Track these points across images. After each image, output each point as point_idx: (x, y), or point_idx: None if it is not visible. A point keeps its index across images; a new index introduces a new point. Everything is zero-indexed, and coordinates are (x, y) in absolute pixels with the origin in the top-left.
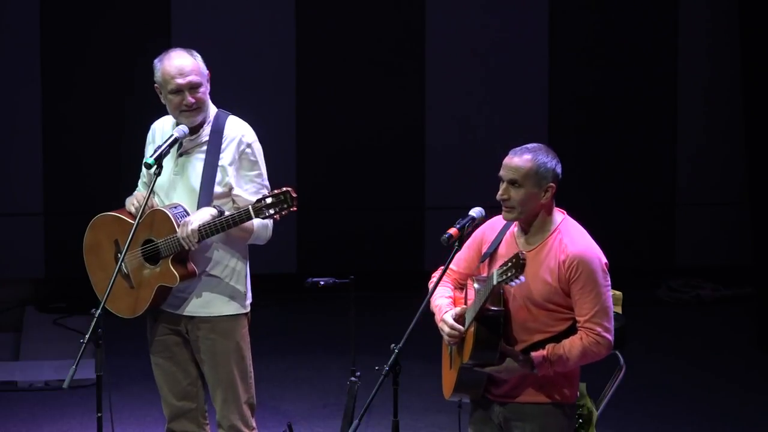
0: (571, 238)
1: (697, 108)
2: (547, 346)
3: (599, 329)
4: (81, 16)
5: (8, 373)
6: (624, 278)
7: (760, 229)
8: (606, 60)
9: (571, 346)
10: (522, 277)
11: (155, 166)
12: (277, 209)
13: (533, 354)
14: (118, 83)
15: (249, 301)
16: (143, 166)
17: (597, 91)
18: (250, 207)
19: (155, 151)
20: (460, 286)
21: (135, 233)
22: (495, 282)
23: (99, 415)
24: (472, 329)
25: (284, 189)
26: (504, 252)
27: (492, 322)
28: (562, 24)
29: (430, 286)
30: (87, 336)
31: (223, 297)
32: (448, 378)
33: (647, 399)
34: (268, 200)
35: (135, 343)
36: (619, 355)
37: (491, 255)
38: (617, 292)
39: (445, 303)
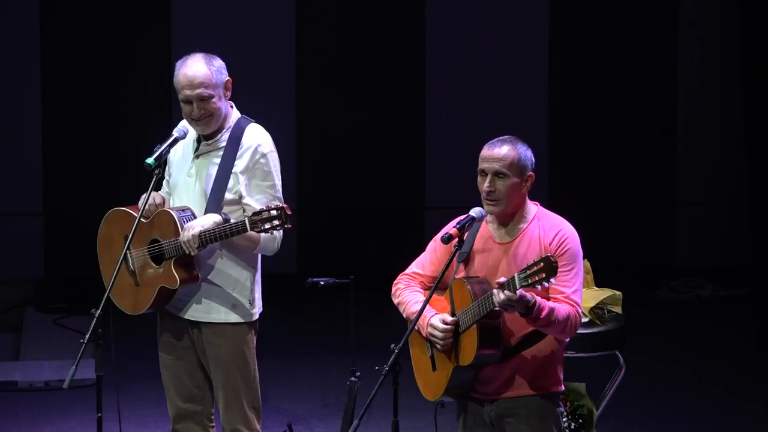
0: (553, 223)
1: (696, 108)
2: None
3: (579, 309)
4: (81, 16)
5: (8, 373)
6: (624, 278)
7: (760, 229)
8: (606, 60)
9: (561, 307)
10: (553, 280)
11: (155, 167)
12: (272, 224)
13: (538, 299)
14: (118, 83)
15: (256, 310)
16: (144, 166)
17: (597, 90)
18: (246, 219)
19: (155, 152)
20: (426, 289)
21: (142, 232)
22: (518, 285)
23: (99, 415)
24: (474, 331)
25: (280, 205)
26: (481, 248)
27: (495, 323)
28: (562, 24)
29: (399, 291)
30: (87, 336)
31: (225, 305)
32: (433, 380)
33: (647, 399)
34: (264, 215)
35: (136, 344)
36: (619, 355)
37: (468, 254)
38: (617, 292)
39: (428, 307)
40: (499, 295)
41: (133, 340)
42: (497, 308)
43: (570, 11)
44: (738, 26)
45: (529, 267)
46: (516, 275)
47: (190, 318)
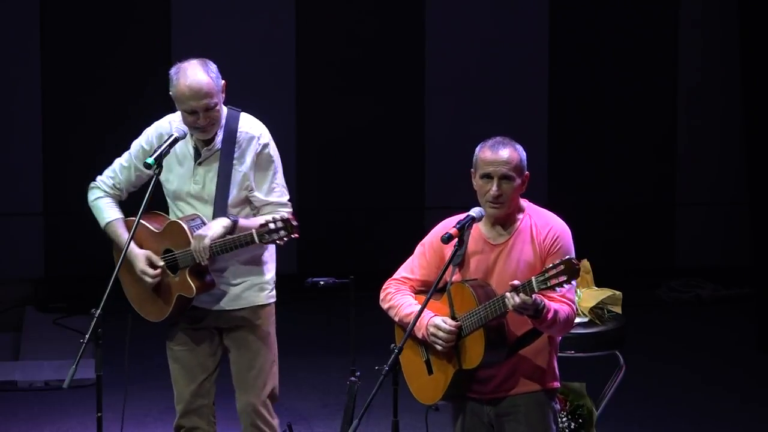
0: (544, 219)
1: (696, 108)
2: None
3: (575, 306)
4: (81, 16)
5: (8, 373)
6: (624, 278)
7: (760, 229)
8: (606, 60)
9: (562, 307)
10: (574, 282)
11: (155, 166)
12: (279, 235)
13: (546, 301)
14: (118, 83)
15: (273, 293)
16: (143, 166)
17: (597, 90)
18: (254, 231)
19: (155, 152)
20: (416, 293)
21: (155, 243)
22: (536, 289)
23: (99, 415)
24: (480, 335)
25: (286, 217)
26: (474, 250)
27: (500, 325)
28: (562, 24)
29: (389, 296)
30: (87, 336)
31: (251, 289)
32: (430, 384)
33: (647, 399)
34: (271, 226)
35: (136, 344)
36: (619, 355)
37: (462, 257)
38: (617, 292)
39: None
40: (514, 299)
41: (134, 340)
42: (507, 311)
43: (570, 11)
44: (738, 26)
45: (547, 270)
46: (533, 278)
47: (218, 309)
